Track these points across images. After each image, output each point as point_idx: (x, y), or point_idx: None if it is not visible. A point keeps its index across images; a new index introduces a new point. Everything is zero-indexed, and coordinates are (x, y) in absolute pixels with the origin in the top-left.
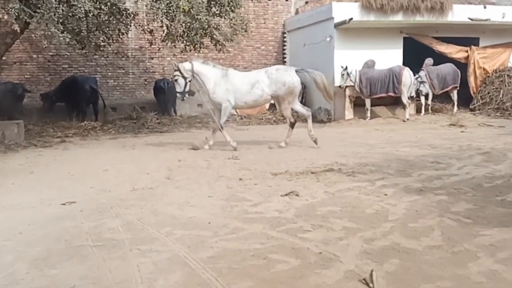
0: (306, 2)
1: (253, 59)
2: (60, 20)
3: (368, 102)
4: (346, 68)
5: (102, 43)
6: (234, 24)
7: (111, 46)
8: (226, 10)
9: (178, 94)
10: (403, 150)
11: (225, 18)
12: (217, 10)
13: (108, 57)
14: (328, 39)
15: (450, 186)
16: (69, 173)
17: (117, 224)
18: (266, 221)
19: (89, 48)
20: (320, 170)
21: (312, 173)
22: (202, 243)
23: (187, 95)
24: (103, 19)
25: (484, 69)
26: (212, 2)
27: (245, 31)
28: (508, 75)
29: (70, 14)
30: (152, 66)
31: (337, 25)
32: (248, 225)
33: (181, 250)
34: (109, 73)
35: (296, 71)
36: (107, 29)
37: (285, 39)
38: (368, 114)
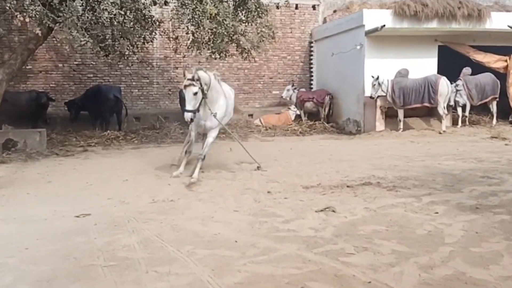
0: (335, 11)
1: (279, 69)
2: (84, 26)
3: (401, 113)
4: (377, 78)
5: (126, 52)
6: (261, 31)
7: (136, 55)
8: (253, 16)
9: (190, 114)
10: (446, 163)
11: (251, 25)
12: (244, 16)
13: (132, 66)
14: (358, 47)
15: (509, 203)
16: (87, 182)
17: (133, 240)
18: (301, 240)
19: (114, 56)
20: (356, 183)
21: (348, 186)
22: (228, 265)
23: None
24: (128, 26)
25: None
26: (239, 8)
27: (272, 38)
28: None
29: (95, 20)
30: (177, 76)
31: (368, 33)
32: (280, 245)
33: (204, 273)
34: (134, 83)
35: None
36: (132, 36)
37: (312, 49)
38: (401, 125)
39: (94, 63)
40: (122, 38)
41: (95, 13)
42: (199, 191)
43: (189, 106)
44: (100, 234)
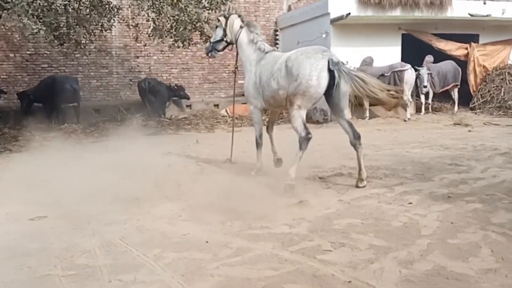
0: None
1: None
2: (36, 13)
3: (366, 101)
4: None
5: (83, 40)
6: None
7: (94, 43)
8: (217, 2)
9: (207, 44)
10: (415, 151)
11: (215, 12)
12: (207, 3)
13: (90, 55)
14: (324, 35)
15: (480, 191)
16: (43, 180)
17: (94, 245)
18: (275, 238)
19: (69, 45)
20: (328, 174)
21: (320, 178)
22: (200, 269)
23: (215, 53)
24: (84, 13)
25: (484, 66)
26: None
27: None
28: (509, 73)
29: (47, 7)
30: (138, 66)
31: (333, 21)
32: (254, 244)
33: (174, 280)
34: (92, 73)
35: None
36: (89, 24)
37: (277, 37)
38: (367, 114)
39: (48, 52)
40: (78, 26)
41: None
42: (165, 187)
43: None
44: (57, 239)
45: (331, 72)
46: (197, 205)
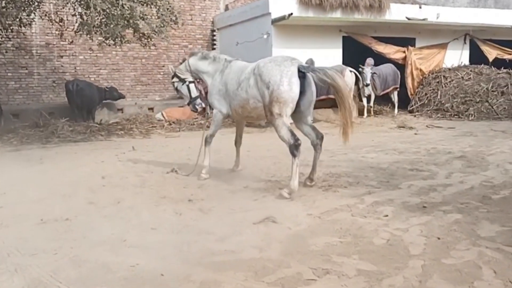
0: None
1: (180, 59)
2: None
3: None
4: None
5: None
6: (161, 14)
7: (11, 41)
8: None
9: (189, 105)
10: (370, 156)
11: (151, 7)
12: None
13: (7, 54)
14: (265, 36)
15: (453, 199)
16: None
17: (17, 285)
18: (246, 266)
19: None
20: (287, 184)
21: (279, 188)
22: None
23: (199, 101)
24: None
25: (420, 70)
26: None
27: (175, 23)
28: (444, 76)
29: None
30: (62, 66)
31: (275, 21)
32: (221, 276)
33: None
34: (9, 74)
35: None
36: (5, 19)
37: (214, 37)
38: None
39: None
40: None
41: None
42: (102, 203)
43: (185, 98)
44: None
45: (301, 79)
46: (143, 225)
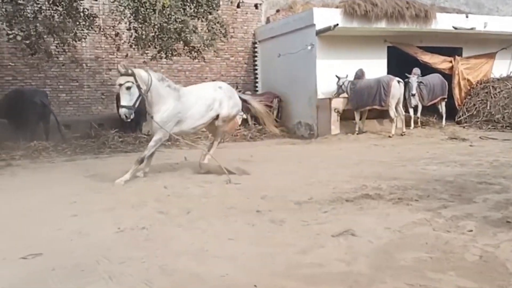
0: (278, 10)
1: (222, 71)
2: (7, 19)
3: (357, 115)
4: (340, 79)
5: (55, 50)
6: (212, 27)
7: (64, 55)
8: (204, 10)
9: (124, 109)
10: (432, 168)
11: (202, 21)
12: (193, 11)
13: (59, 67)
14: (309, 47)
15: None
16: (24, 207)
17: None
18: (338, 279)
19: (41, 55)
20: (353, 196)
21: (347, 201)
22: None
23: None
24: (58, 20)
25: (468, 80)
26: (186, 2)
27: (224, 36)
28: (493, 86)
29: (19, 13)
30: (110, 79)
31: (319, 33)
32: None
33: None
34: (61, 86)
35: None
36: (62, 33)
37: (256, 50)
38: (357, 128)
39: (12, 64)
40: (49, 35)
41: (18, 4)
42: (172, 213)
43: (124, 101)
44: (64, 286)
45: None
46: (219, 235)
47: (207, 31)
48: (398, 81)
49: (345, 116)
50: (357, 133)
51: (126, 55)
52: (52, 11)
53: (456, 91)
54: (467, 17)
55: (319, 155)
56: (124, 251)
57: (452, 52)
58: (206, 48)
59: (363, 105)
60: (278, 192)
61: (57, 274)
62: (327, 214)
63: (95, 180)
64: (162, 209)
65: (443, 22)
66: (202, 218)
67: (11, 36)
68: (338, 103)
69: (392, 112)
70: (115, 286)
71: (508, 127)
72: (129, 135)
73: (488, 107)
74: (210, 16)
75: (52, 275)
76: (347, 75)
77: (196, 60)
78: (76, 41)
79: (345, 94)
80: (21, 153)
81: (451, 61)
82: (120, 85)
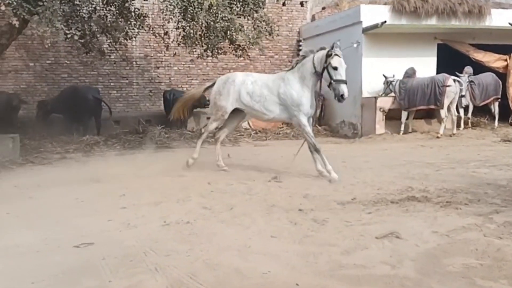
0: (323, 8)
1: (266, 69)
2: (64, 19)
3: (404, 115)
4: (387, 79)
5: (108, 48)
6: (258, 25)
7: (116, 53)
8: (251, 9)
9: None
10: (483, 171)
11: (248, 19)
12: (239, 9)
13: (110, 65)
14: (355, 45)
15: None
16: (77, 198)
17: (160, 284)
18: (381, 282)
19: (95, 54)
20: (398, 197)
21: (392, 202)
22: None
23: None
24: (111, 20)
25: None
26: (233, 0)
27: (270, 34)
28: None
29: (75, 13)
30: (158, 76)
31: (366, 30)
32: None
33: None
34: (112, 83)
35: None
36: (115, 32)
37: (300, 48)
38: (403, 128)
39: (68, 62)
40: (102, 34)
41: (74, 4)
42: (216, 209)
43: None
44: (114, 275)
45: None
46: (262, 232)
47: (252, 29)
48: (454, 80)
49: (391, 116)
50: (403, 133)
51: (174, 54)
52: (105, 11)
53: (510, 91)
54: None
55: (363, 154)
56: (170, 244)
57: (507, 50)
58: (251, 46)
59: (415, 105)
60: (320, 191)
61: (107, 263)
62: (371, 215)
63: (143, 174)
64: (206, 204)
65: (498, 19)
66: (245, 215)
67: (68, 36)
68: (384, 102)
69: (443, 113)
70: (161, 277)
71: None
72: (175, 131)
73: None
74: (256, 14)
75: (102, 263)
76: (394, 75)
77: (241, 58)
78: (127, 40)
79: (393, 94)
80: (75, 146)
81: (506, 60)
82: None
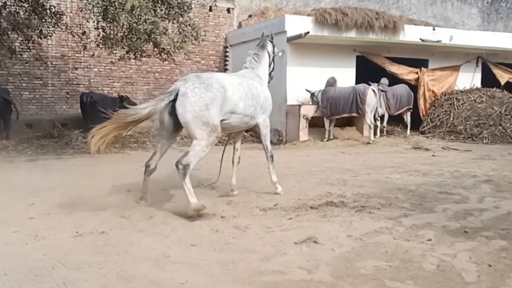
0: (250, 16)
1: None
2: None
3: (327, 123)
4: (310, 92)
5: (20, 47)
6: (183, 30)
7: (29, 52)
8: (176, 12)
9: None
10: (395, 177)
11: (173, 23)
12: (164, 12)
13: (22, 65)
14: (280, 54)
15: (493, 225)
16: None
17: None
18: (298, 287)
19: (4, 52)
20: (317, 203)
21: (311, 208)
22: None
23: None
24: (23, 17)
25: (433, 91)
26: (157, 3)
27: (195, 39)
28: (456, 98)
29: None
30: (76, 78)
31: (290, 40)
32: None
33: None
34: (24, 84)
35: None
36: (27, 29)
37: (227, 54)
38: (326, 135)
39: None
40: (14, 31)
41: None
42: (134, 217)
43: None
44: None
45: None
46: (182, 241)
47: (178, 33)
48: (373, 90)
49: (313, 123)
50: (326, 140)
51: (93, 55)
52: (17, 7)
53: (421, 102)
54: (434, 29)
55: (286, 160)
56: (82, 256)
57: (419, 63)
58: (177, 51)
59: (338, 113)
60: (244, 198)
61: (9, 278)
62: (291, 221)
63: (56, 181)
64: (124, 213)
65: (410, 34)
66: (165, 223)
67: None
68: (307, 110)
69: (368, 120)
70: None
71: (469, 139)
72: None
73: (451, 119)
74: (181, 18)
75: (3, 279)
76: (315, 89)
77: (166, 62)
78: (41, 39)
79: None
80: None
81: (417, 73)
82: None
